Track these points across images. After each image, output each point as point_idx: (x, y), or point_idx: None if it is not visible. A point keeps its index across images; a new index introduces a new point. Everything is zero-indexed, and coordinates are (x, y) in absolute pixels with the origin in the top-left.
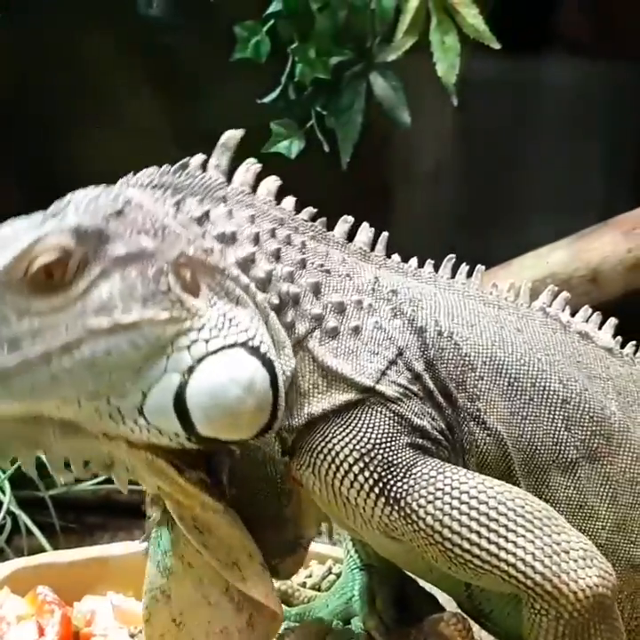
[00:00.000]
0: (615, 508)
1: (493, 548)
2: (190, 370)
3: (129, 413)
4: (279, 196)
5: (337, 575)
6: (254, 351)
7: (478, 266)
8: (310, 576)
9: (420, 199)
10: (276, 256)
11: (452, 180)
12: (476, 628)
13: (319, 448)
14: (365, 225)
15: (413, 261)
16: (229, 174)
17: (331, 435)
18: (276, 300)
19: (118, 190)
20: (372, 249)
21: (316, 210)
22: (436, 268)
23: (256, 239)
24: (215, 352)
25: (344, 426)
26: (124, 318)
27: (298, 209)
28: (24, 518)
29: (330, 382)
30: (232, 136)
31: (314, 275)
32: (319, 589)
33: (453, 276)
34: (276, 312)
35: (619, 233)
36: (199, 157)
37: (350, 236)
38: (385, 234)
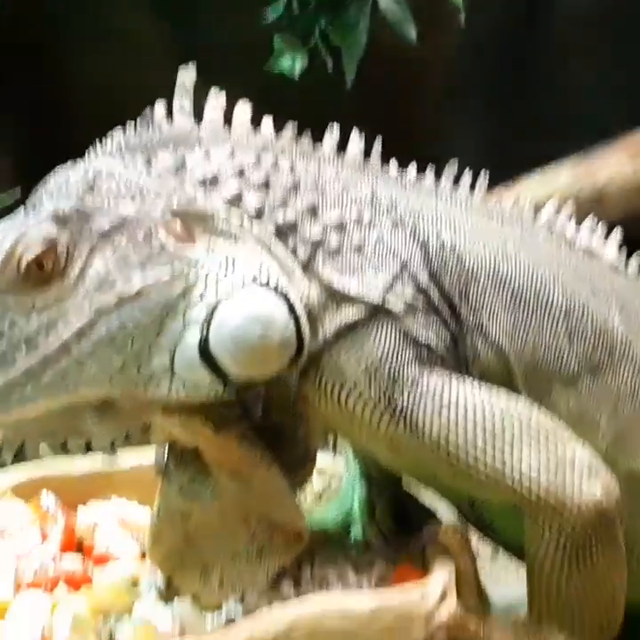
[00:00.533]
0: (616, 420)
1: (498, 461)
2: (207, 320)
3: (162, 376)
4: (280, 121)
5: (336, 487)
6: (264, 284)
7: (481, 176)
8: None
9: (427, 119)
10: (265, 185)
11: (461, 97)
12: (473, 540)
13: (325, 363)
14: (355, 134)
15: (412, 171)
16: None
17: (337, 351)
18: (272, 230)
19: (87, 164)
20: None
21: (296, 123)
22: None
23: (240, 173)
24: (226, 296)
25: (350, 342)
26: (128, 289)
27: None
28: None
29: (339, 302)
30: (187, 74)
31: (308, 196)
32: (319, 500)
33: (455, 185)
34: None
35: (624, 154)
36: (161, 106)
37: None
38: (378, 142)
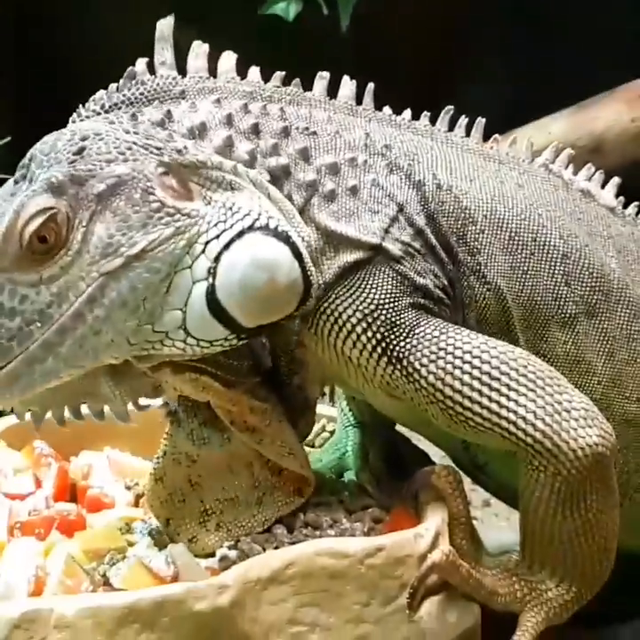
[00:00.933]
0: (611, 363)
1: (494, 406)
2: (211, 271)
3: (176, 335)
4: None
5: (330, 433)
6: (264, 229)
7: (479, 119)
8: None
9: (425, 63)
10: (255, 131)
11: (460, 43)
12: (467, 486)
13: (322, 309)
14: (346, 78)
15: (407, 113)
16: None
17: (334, 296)
18: (267, 177)
19: (72, 129)
20: (359, 103)
21: (283, 72)
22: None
23: (228, 121)
24: (228, 245)
25: (348, 287)
26: (133, 250)
27: (290, 79)
28: None
29: (336, 246)
30: (166, 26)
31: (300, 140)
32: (313, 446)
33: (451, 129)
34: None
35: (623, 102)
36: (142, 62)
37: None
38: (371, 85)
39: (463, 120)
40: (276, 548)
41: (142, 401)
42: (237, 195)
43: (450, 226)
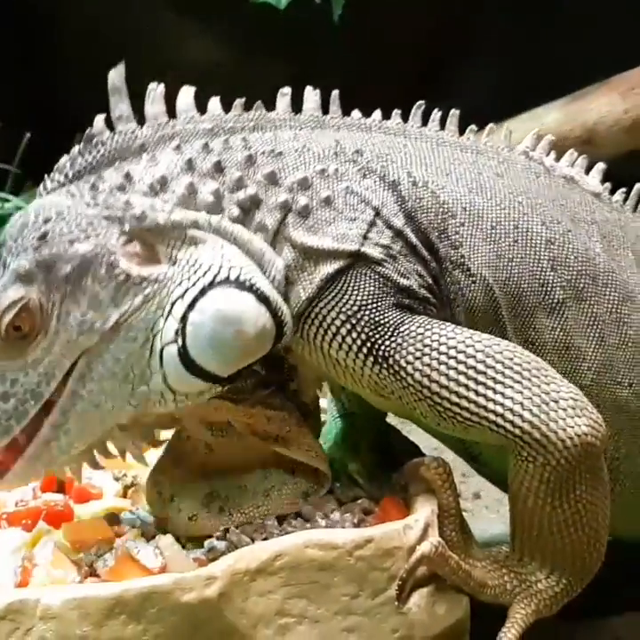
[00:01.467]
0: (602, 348)
1: (481, 400)
2: (179, 332)
3: (165, 394)
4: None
5: (321, 422)
6: (226, 282)
7: (453, 110)
8: None
9: (419, 52)
10: (218, 169)
11: (458, 34)
12: (457, 478)
13: (306, 313)
14: (309, 89)
15: (377, 114)
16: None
17: (317, 300)
18: (236, 212)
19: (37, 209)
20: (326, 112)
21: (243, 99)
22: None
23: (189, 166)
24: (192, 305)
25: (331, 291)
26: (107, 325)
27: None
28: None
29: (316, 261)
30: (117, 76)
31: (266, 165)
32: None
33: (425, 123)
34: (242, 223)
35: (616, 93)
36: (100, 119)
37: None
38: (335, 92)
39: (437, 113)
40: (265, 539)
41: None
42: (200, 249)
43: (429, 222)
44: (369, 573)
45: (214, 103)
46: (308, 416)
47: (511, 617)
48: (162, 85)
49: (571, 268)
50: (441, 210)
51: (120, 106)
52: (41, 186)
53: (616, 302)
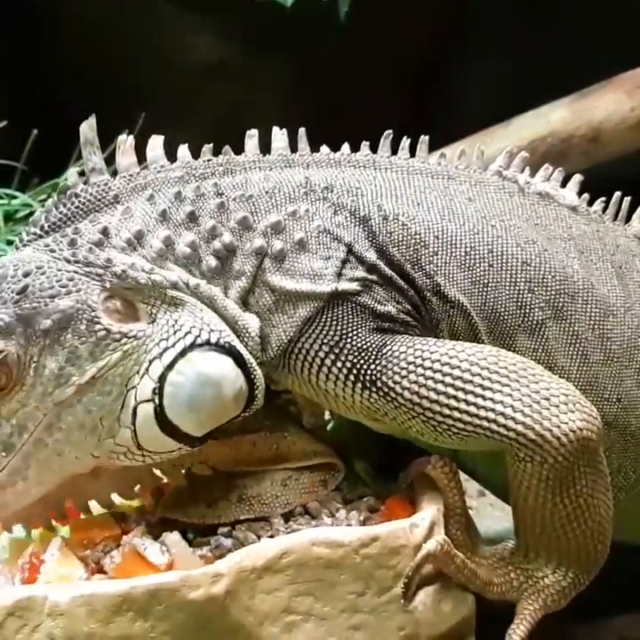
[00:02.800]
0: (586, 366)
1: (472, 408)
2: (157, 392)
3: (132, 449)
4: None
5: (327, 420)
6: (206, 345)
7: (422, 137)
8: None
9: (424, 49)
10: (193, 219)
11: (462, 33)
12: (462, 477)
13: (290, 348)
14: (276, 130)
15: (345, 148)
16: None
17: (299, 334)
18: (213, 263)
19: (15, 263)
20: (295, 151)
21: (211, 145)
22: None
23: (164, 217)
24: (172, 365)
25: (311, 325)
26: (83, 379)
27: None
28: None
29: (295, 304)
30: (89, 128)
31: (239, 210)
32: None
33: (394, 152)
34: (218, 273)
35: (622, 92)
36: (74, 172)
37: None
38: (302, 129)
39: (406, 141)
40: (272, 536)
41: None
42: (180, 310)
43: (402, 254)
44: (375, 571)
45: (183, 150)
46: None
47: (520, 613)
48: (131, 137)
49: (548, 288)
50: (413, 241)
51: (93, 158)
52: (17, 239)
53: (597, 318)
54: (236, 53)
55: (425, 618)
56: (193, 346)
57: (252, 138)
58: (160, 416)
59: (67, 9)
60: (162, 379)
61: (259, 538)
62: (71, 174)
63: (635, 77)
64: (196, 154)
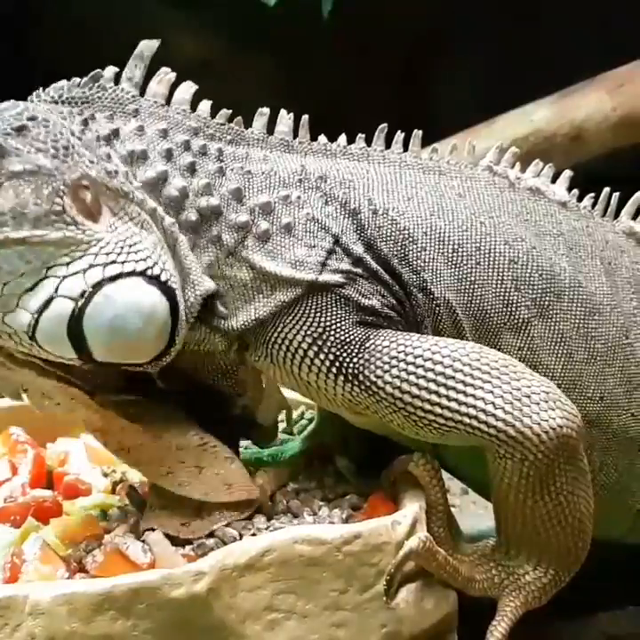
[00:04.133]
0: (570, 364)
1: (453, 404)
2: (84, 295)
3: (22, 337)
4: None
5: (309, 420)
6: (154, 280)
7: (415, 131)
8: (283, 420)
9: (408, 48)
10: (191, 169)
11: (443, 25)
12: (445, 474)
13: (273, 339)
14: (283, 113)
15: (342, 139)
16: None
17: (282, 325)
18: (194, 217)
19: (25, 106)
20: (296, 136)
21: (230, 111)
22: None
23: (168, 155)
24: (113, 279)
25: (293, 315)
26: (14, 234)
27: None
28: None
29: (273, 285)
30: (147, 47)
31: (234, 181)
32: (291, 433)
33: (388, 146)
34: (195, 230)
35: (604, 91)
36: (111, 69)
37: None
38: (305, 117)
39: (400, 135)
40: (254, 534)
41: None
42: (144, 236)
43: (389, 249)
44: (357, 569)
45: (205, 105)
46: (256, 429)
47: (501, 610)
48: (173, 74)
49: (535, 287)
50: (401, 236)
51: (135, 71)
52: (34, 94)
53: (582, 317)
54: (222, 52)
55: (407, 615)
56: (142, 273)
57: (262, 116)
58: (75, 320)
59: (51, 8)
60: (97, 286)
61: (240, 536)
62: (109, 69)
63: (617, 77)
64: None
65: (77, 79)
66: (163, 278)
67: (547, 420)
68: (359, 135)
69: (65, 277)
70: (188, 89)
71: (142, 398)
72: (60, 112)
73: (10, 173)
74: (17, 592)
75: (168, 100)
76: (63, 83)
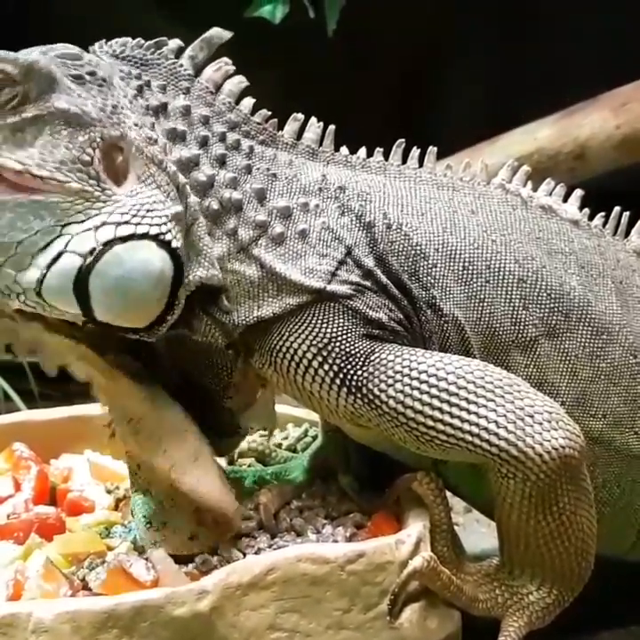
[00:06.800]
0: (575, 382)
1: (456, 421)
2: (94, 253)
3: (31, 294)
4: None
5: (313, 437)
6: (165, 245)
7: (430, 148)
8: (286, 438)
9: (412, 66)
10: (222, 161)
11: (446, 43)
12: (449, 493)
13: (278, 347)
14: (313, 121)
15: (362, 152)
16: None
17: (287, 333)
18: (215, 206)
19: (89, 58)
20: (320, 144)
21: (269, 112)
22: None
23: (204, 142)
24: (125, 239)
25: (299, 323)
26: (35, 170)
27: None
28: (2, 383)
29: (279, 287)
30: (218, 35)
31: (259, 180)
32: (294, 451)
33: (404, 161)
34: (214, 219)
35: (608, 109)
36: (176, 42)
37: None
38: (331, 127)
39: (416, 151)
40: (257, 553)
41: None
42: (168, 204)
43: (400, 264)
44: (361, 588)
45: (248, 102)
46: (230, 435)
47: (504, 630)
48: (232, 68)
49: (543, 306)
50: (413, 252)
51: (199, 53)
52: (96, 45)
53: (589, 337)
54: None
55: (411, 634)
56: (155, 238)
57: (295, 121)
58: (82, 276)
59: (55, 13)
60: (107, 245)
61: (244, 555)
62: (174, 41)
63: (620, 95)
64: None
65: (141, 40)
66: (173, 245)
67: (549, 441)
68: (377, 149)
69: (77, 234)
70: (237, 83)
71: (145, 368)
72: (121, 70)
73: (54, 109)
74: (20, 609)
75: (217, 89)
76: (127, 39)
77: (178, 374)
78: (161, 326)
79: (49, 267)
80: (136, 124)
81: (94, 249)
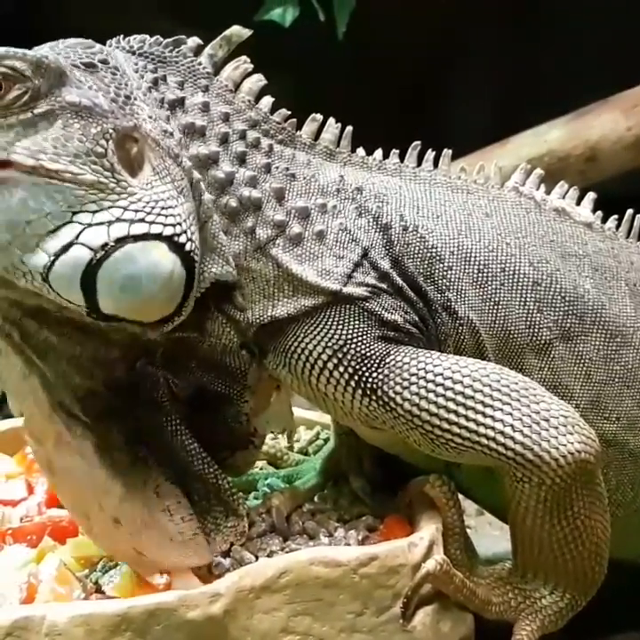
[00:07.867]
0: (589, 385)
1: (472, 425)
2: (105, 248)
3: (37, 277)
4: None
5: (324, 440)
6: (180, 248)
7: (445, 150)
8: (298, 440)
9: (422, 68)
10: (241, 159)
11: (458, 50)
12: (461, 496)
13: (293, 348)
14: (331, 122)
15: (378, 153)
16: None
17: (302, 334)
18: (234, 204)
19: (100, 48)
20: (338, 145)
21: (288, 112)
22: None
23: (224, 139)
24: (137, 238)
25: (315, 325)
26: (49, 164)
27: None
28: None
29: (295, 287)
30: (238, 33)
31: (278, 180)
32: (306, 453)
33: (419, 163)
34: (231, 216)
35: (619, 111)
36: (194, 40)
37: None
38: (349, 128)
39: (431, 154)
40: (269, 556)
41: None
42: (181, 200)
43: (416, 267)
44: (374, 591)
45: (267, 100)
46: (245, 445)
47: (517, 634)
48: (251, 66)
49: (557, 309)
50: (428, 254)
51: (219, 51)
52: (113, 40)
53: (603, 339)
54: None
55: (424, 637)
56: (169, 239)
57: (314, 122)
58: (90, 270)
59: (63, 24)
60: (119, 242)
61: (256, 557)
62: (193, 39)
63: (631, 97)
64: None
65: (160, 38)
66: (187, 248)
67: (565, 445)
68: (393, 151)
69: (89, 225)
70: (256, 82)
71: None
72: (135, 63)
73: (65, 103)
74: (34, 613)
75: (236, 88)
76: (145, 36)
77: (188, 385)
78: (169, 323)
79: (58, 255)
80: (150, 117)
81: (106, 244)
